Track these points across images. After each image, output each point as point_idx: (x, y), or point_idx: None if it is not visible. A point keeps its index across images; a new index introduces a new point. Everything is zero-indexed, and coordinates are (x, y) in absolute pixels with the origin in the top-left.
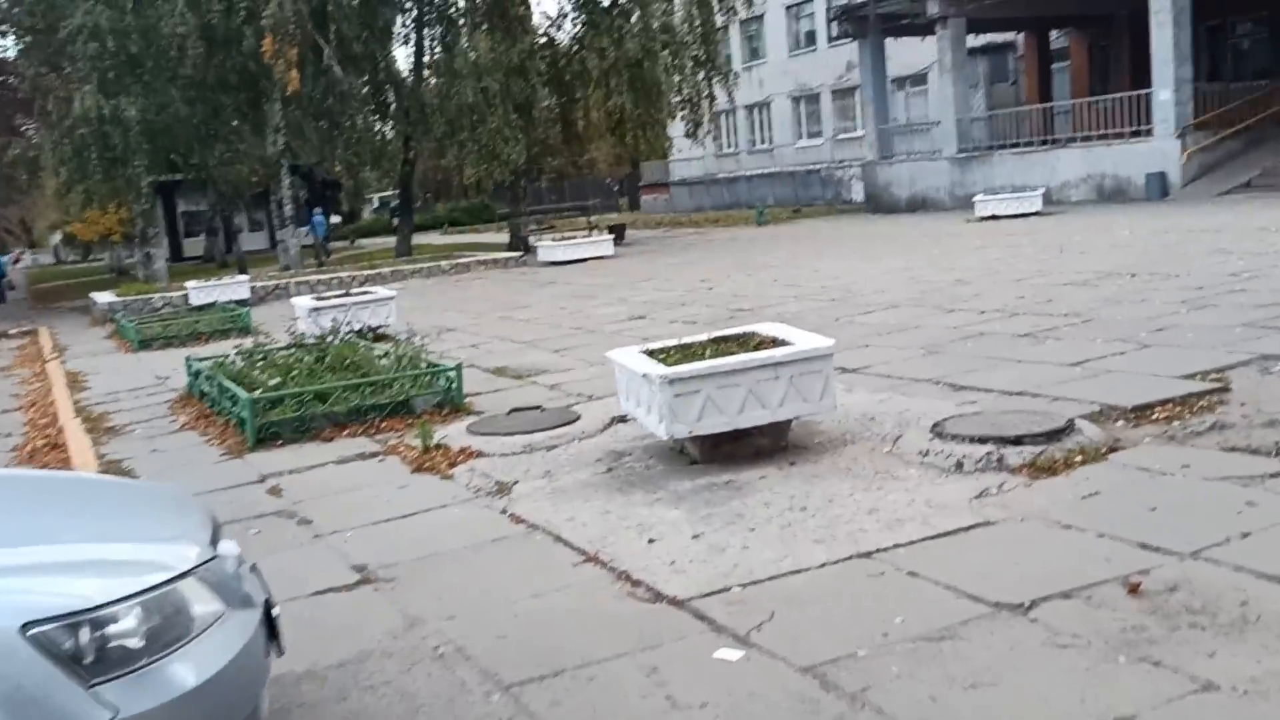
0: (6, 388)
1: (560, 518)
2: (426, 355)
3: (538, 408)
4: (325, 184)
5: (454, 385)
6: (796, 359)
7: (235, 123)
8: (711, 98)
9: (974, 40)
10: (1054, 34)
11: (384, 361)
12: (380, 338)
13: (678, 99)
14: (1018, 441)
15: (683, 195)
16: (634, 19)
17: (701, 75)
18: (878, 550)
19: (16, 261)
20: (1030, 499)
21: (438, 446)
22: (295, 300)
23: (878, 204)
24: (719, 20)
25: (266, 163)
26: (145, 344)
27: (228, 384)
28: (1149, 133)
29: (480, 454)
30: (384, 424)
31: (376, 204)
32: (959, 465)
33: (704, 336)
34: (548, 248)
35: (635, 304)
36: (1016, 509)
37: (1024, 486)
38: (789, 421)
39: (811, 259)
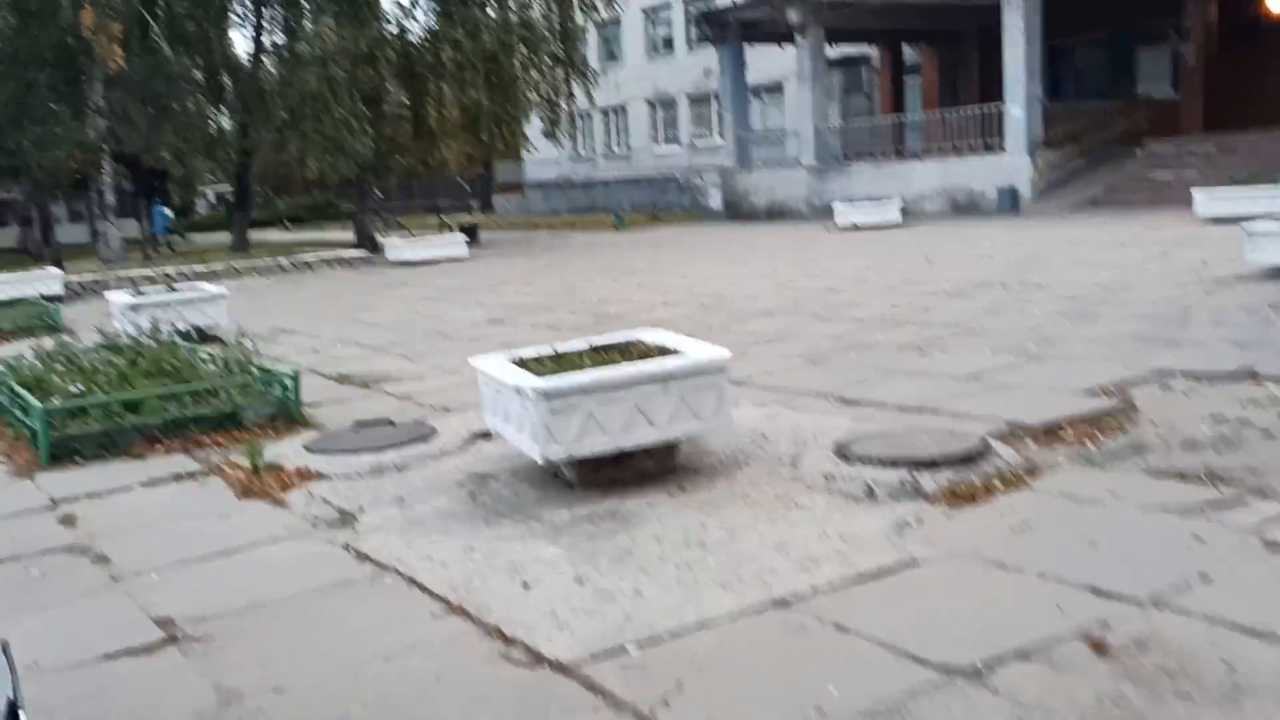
0: None
1: (416, 555)
2: (259, 360)
3: (387, 421)
4: (153, 173)
5: (290, 394)
6: (688, 371)
7: (51, 103)
8: (570, 96)
9: (830, 52)
10: (906, 48)
11: (210, 367)
12: (208, 339)
13: (535, 97)
14: (932, 465)
15: (537, 197)
16: (490, 11)
17: (561, 73)
18: (794, 596)
19: None
20: (955, 533)
21: (269, 467)
22: (110, 296)
23: (736, 211)
24: (579, 18)
25: (86, 148)
26: None
27: (18, 390)
28: (1001, 147)
29: (320, 476)
30: (207, 439)
31: (213, 199)
32: (870, 492)
33: (580, 344)
34: (397, 247)
35: (493, 308)
36: (943, 545)
37: (945, 518)
38: (678, 442)
39: (676, 264)
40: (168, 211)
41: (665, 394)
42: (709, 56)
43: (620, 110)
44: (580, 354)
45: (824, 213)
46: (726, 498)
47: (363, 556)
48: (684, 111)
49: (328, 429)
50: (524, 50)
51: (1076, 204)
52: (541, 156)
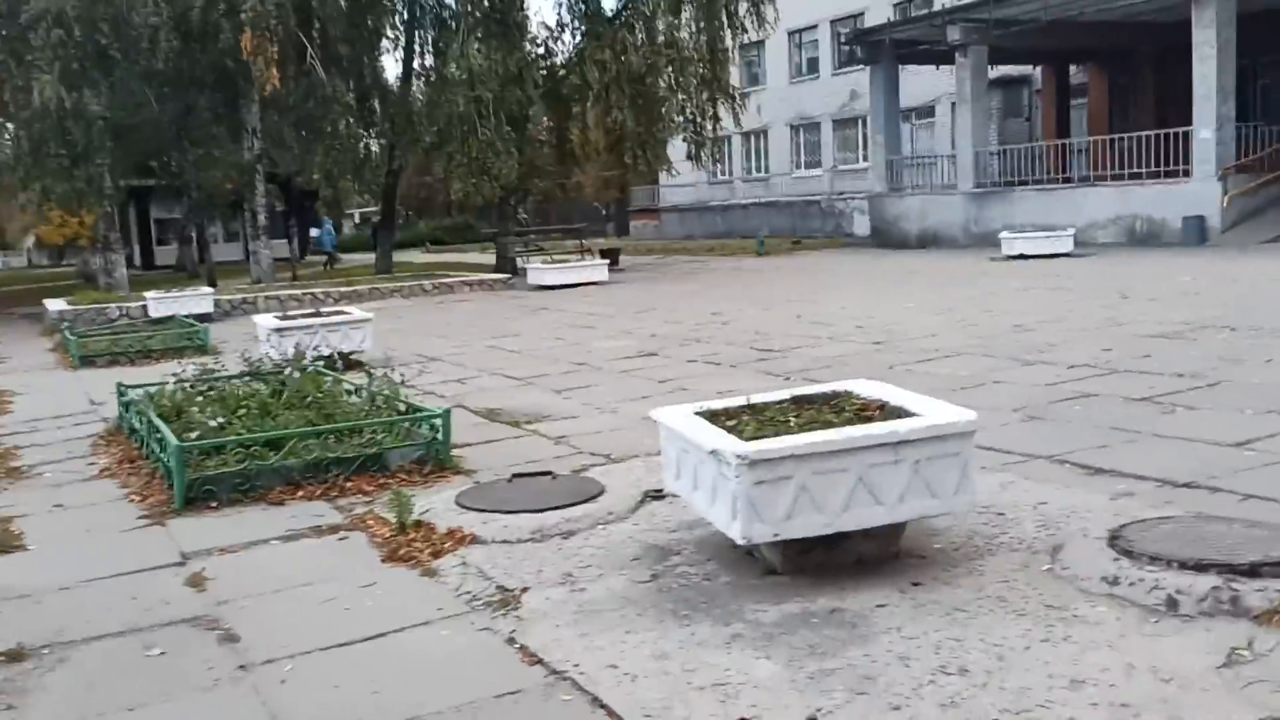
0: None
1: (596, 661)
2: (406, 395)
3: (548, 473)
4: (304, 194)
5: (439, 436)
6: (926, 437)
7: (211, 125)
8: (716, 118)
9: (989, 73)
10: (1073, 69)
11: (354, 400)
12: (352, 365)
13: (680, 118)
14: (1252, 572)
15: (673, 222)
16: (638, 32)
17: (706, 95)
18: None
19: None
20: None
21: (417, 524)
22: (257, 319)
23: (885, 238)
24: (728, 39)
25: (242, 169)
26: (87, 360)
27: (157, 423)
28: (1186, 173)
29: (474, 539)
30: (349, 484)
31: (357, 219)
32: (1172, 604)
33: (778, 395)
34: (538, 270)
35: (642, 337)
36: None
37: None
38: (904, 523)
39: (830, 293)
40: (332, 230)
41: (897, 465)
42: (854, 79)
43: (761, 134)
44: (781, 408)
45: (981, 241)
46: (977, 601)
47: (531, 656)
48: (827, 135)
49: (480, 478)
50: (670, 71)
51: (1273, 236)
52: (678, 181)
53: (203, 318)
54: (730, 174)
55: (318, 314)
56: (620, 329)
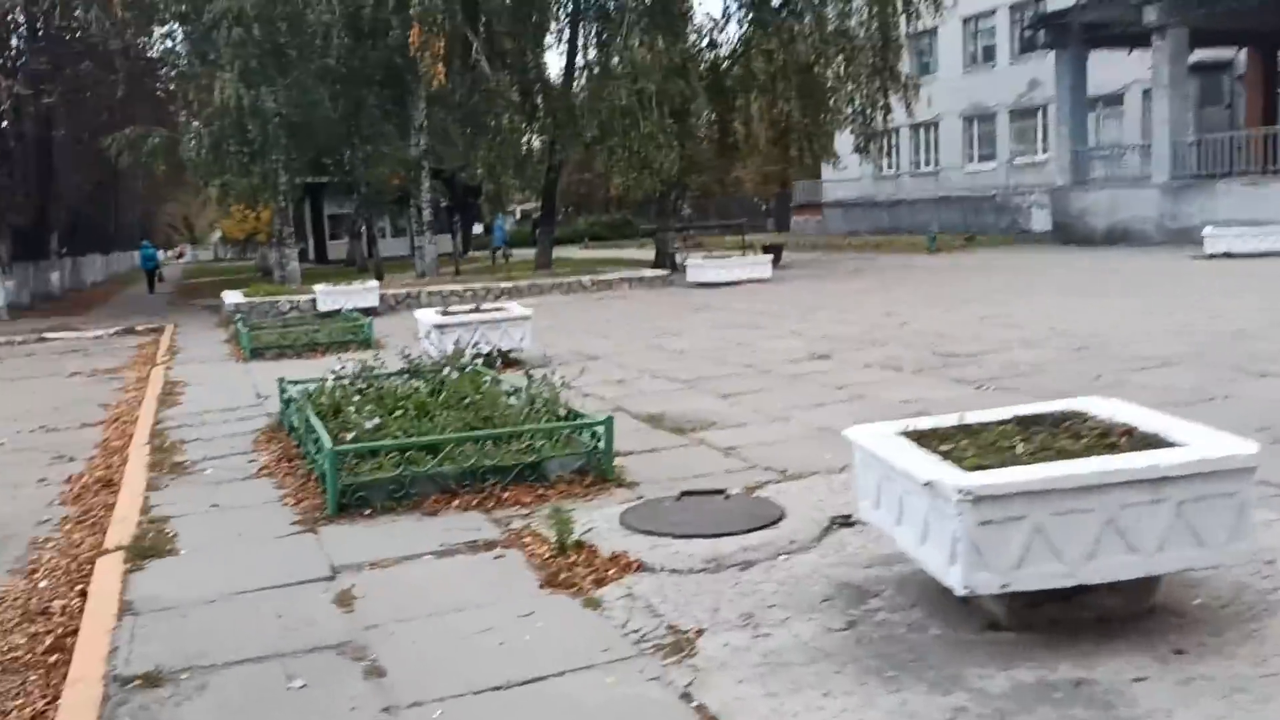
0: (104, 394)
1: None
2: (564, 395)
3: (720, 492)
4: (466, 190)
5: (601, 445)
6: (1195, 473)
7: (379, 122)
8: (886, 109)
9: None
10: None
11: (512, 402)
12: (511, 363)
13: (849, 109)
14: None
15: (836, 217)
16: (806, 20)
17: (877, 84)
18: None
19: (180, 256)
20: None
21: (579, 545)
22: (419, 314)
23: (1068, 234)
24: (901, 26)
25: (408, 164)
26: (257, 353)
27: (314, 423)
28: None
29: (641, 566)
30: (506, 493)
31: (518, 215)
32: None
33: (999, 413)
34: (698, 267)
35: (812, 338)
36: None
37: None
38: (1160, 576)
39: (1015, 293)
40: (505, 225)
41: (1156, 506)
42: (1033, 67)
43: (931, 126)
44: (1004, 430)
45: (1177, 237)
46: (1263, 679)
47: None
48: (1003, 126)
49: (644, 492)
50: (840, 61)
51: None
52: (841, 175)
53: (368, 311)
54: (897, 168)
55: (477, 310)
56: (788, 329)
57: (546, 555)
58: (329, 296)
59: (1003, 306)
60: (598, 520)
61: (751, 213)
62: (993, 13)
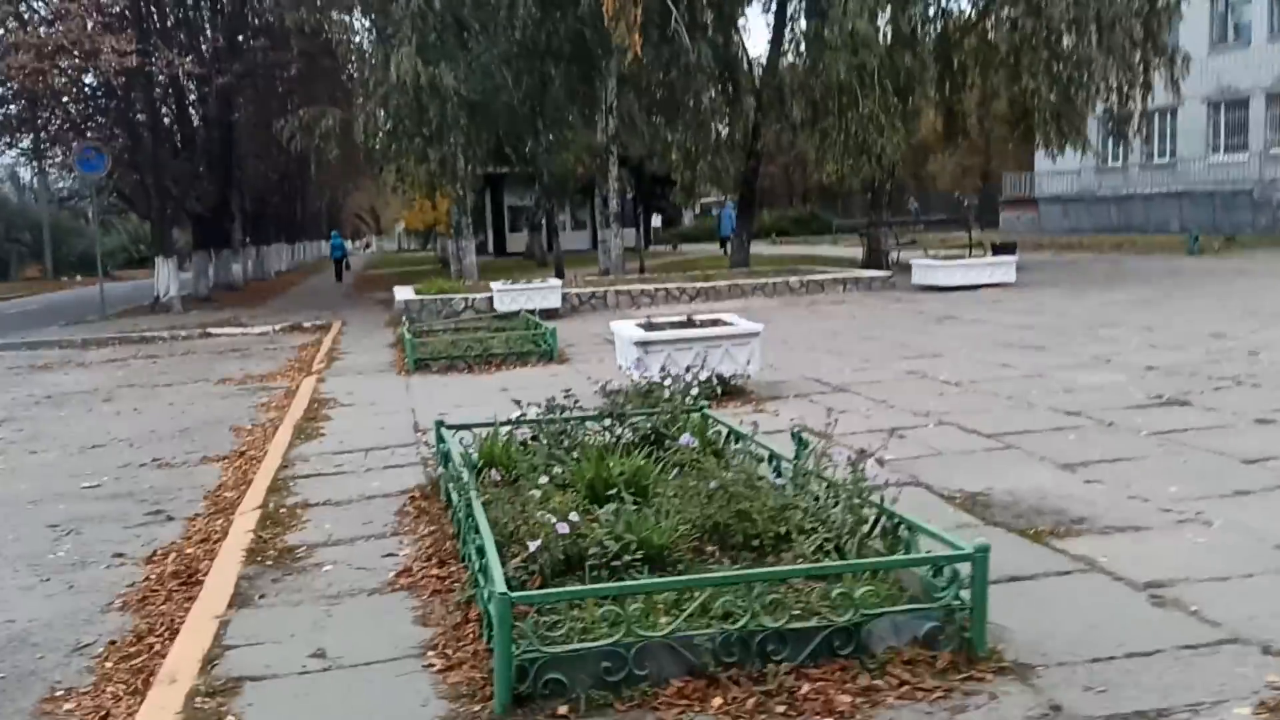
0: (244, 411)
1: None
2: (872, 488)
3: None
4: (654, 180)
5: (964, 597)
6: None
7: (565, 104)
8: (1147, 86)
9: None
10: None
11: (776, 481)
12: (732, 392)
13: (1104, 85)
14: None
15: (1054, 214)
16: None
17: (1139, 57)
18: None
19: (368, 247)
20: None
21: None
22: (616, 326)
23: None
24: None
25: (594, 151)
26: (421, 364)
27: (479, 520)
28: None
29: None
30: (798, 680)
31: (697, 209)
32: None
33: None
34: (927, 268)
35: (1133, 369)
36: None
37: None
38: None
39: None
40: (732, 214)
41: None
42: None
43: (1168, 112)
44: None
45: None
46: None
47: None
48: (1258, 113)
49: (1044, 683)
50: (1094, 30)
51: None
52: (1056, 167)
53: (549, 314)
54: (1123, 159)
55: (690, 323)
56: (1089, 354)
57: None
58: (506, 295)
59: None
60: None
61: (951, 208)
62: None
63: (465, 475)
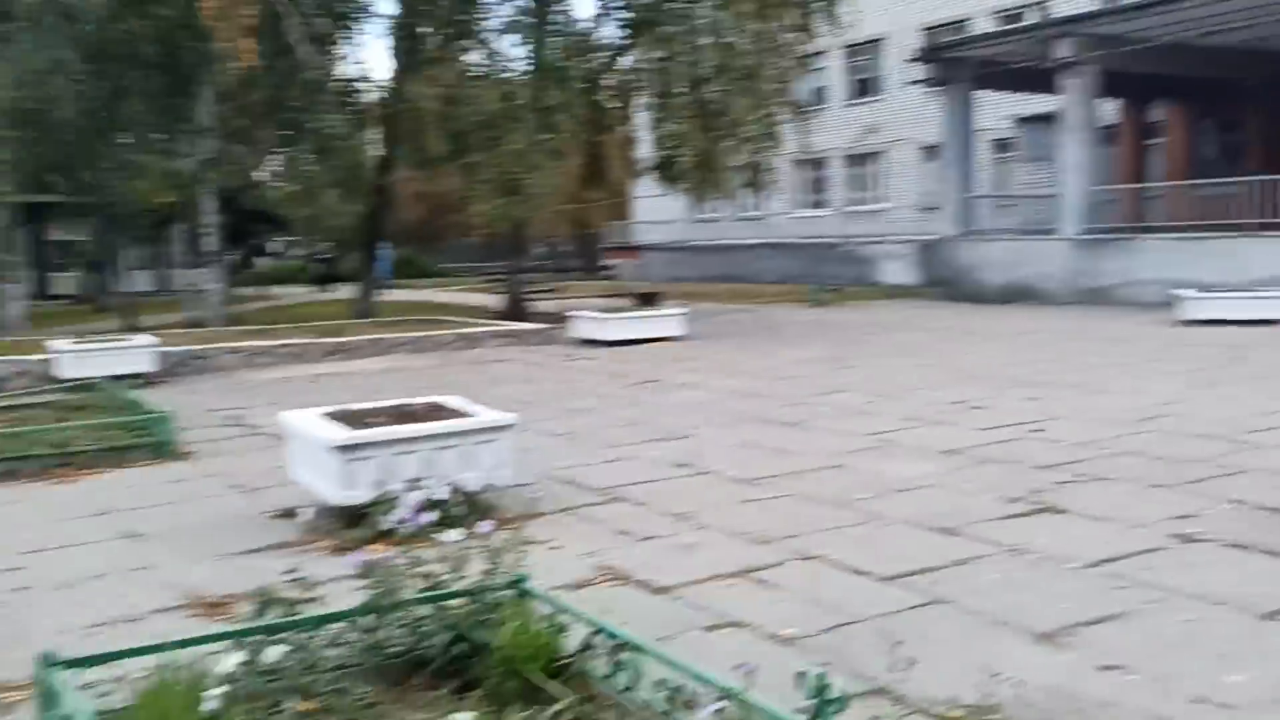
0: None
1: None
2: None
3: None
4: (252, 215)
5: None
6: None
7: (144, 117)
8: (776, 141)
9: (1032, 106)
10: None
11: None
12: (485, 512)
13: (743, 137)
14: None
15: (657, 261)
16: (693, 23)
17: (769, 111)
18: None
19: None
20: None
21: None
22: (292, 421)
23: (954, 291)
24: (806, 40)
25: (183, 179)
26: None
27: None
28: None
29: None
30: None
31: (281, 246)
32: None
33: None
34: (591, 322)
35: (926, 451)
36: None
37: None
38: None
39: (1074, 368)
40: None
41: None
42: (870, 110)
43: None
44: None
45: (1089, 297)
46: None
47: None
48: (838, 172)
49: None
50: (727, 80)
51: None
52: (651, 217)
53: (139, 380)
54: (715, 211)
55: (408, 414)
56: (858, 431)
57: None
58: (76, 359)
59: (1049, 389)
60: None
61: (549, 254)
62: (824, 52)
63: None
